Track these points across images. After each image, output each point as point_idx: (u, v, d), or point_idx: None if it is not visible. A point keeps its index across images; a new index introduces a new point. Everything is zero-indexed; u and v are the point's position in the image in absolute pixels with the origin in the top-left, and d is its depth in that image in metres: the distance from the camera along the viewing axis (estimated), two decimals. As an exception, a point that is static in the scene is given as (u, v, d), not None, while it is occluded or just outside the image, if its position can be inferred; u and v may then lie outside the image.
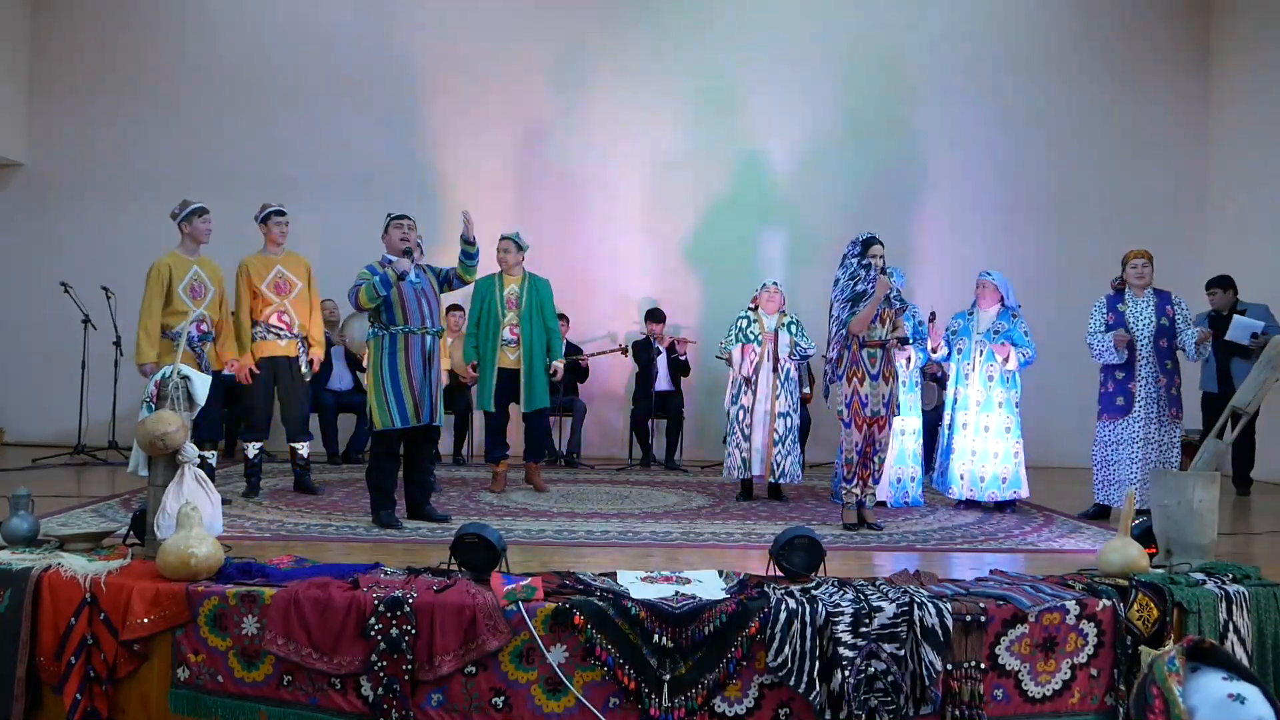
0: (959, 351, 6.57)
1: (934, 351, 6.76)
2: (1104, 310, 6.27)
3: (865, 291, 5.58)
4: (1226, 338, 7.31)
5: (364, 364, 8.65)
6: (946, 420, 6.65)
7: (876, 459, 5.66)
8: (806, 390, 7.17)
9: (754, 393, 6.65)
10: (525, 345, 6.61)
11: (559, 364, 6.84)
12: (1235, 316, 7.35)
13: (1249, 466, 7.67)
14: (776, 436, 6.61)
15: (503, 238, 6.74)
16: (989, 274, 6.61)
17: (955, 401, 6.57)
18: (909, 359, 6.61)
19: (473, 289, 6.68)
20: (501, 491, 6.64)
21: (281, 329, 6.29)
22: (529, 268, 6.84)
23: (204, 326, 5.86)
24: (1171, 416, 6.07)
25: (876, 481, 5.76)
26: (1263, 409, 5.94)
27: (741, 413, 6.68)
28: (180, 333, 5.35)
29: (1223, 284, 7.65)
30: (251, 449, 6.32)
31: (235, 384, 6.24)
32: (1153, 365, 6.09)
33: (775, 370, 6.63)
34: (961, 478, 6.46)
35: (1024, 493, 6.43)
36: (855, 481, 5.63)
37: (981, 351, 6.46)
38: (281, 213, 6.36)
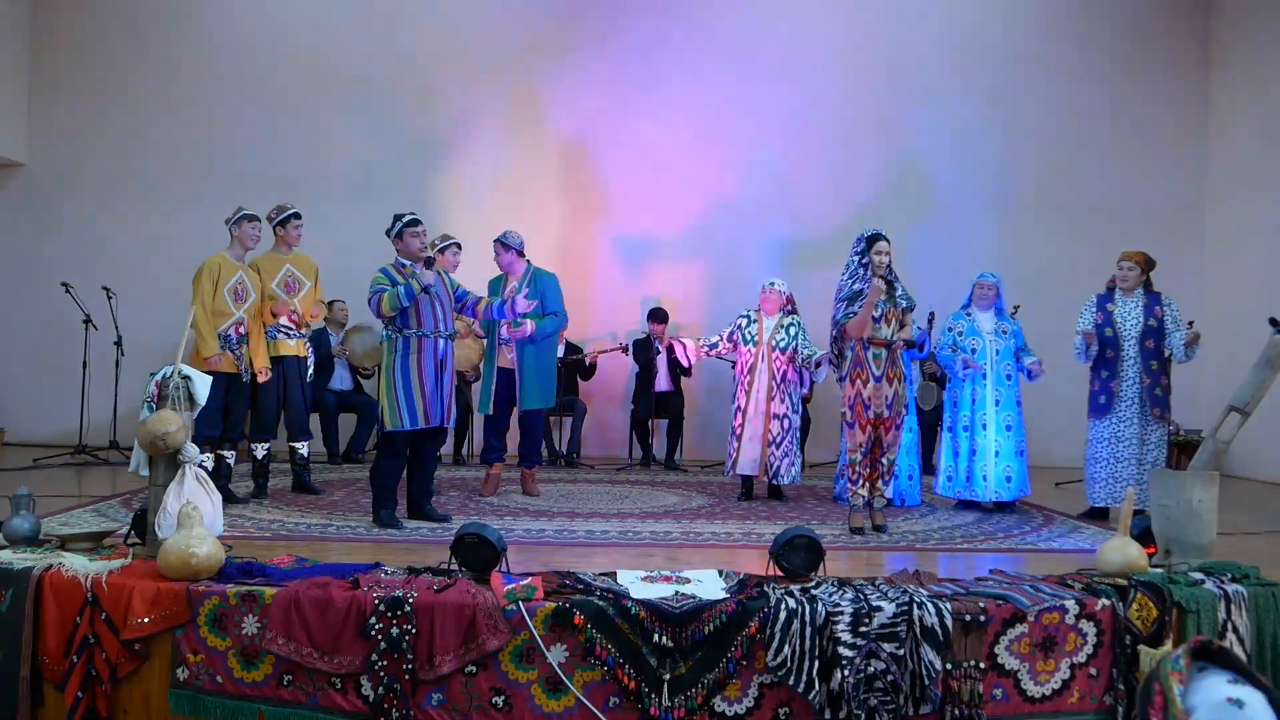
0: (973, 351, 6.49)
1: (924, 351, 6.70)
2: (1093, 309, 6.27)
3: (862, 291, 5.46)
4: None
5: (363, 374, 8.68)
6: (948, 421, 6.60)
7: (885, 460, 5.58)
8: (805, 391, 7.16)
9: (749, 393, 6.67)
10: (520, 344, 6.45)
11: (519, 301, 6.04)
12: None
13: None
14: (771, 438, 6.60)
15: (494, 241, 6.70)
16: (990, 275, 6.62)
17: (973, 401, 6.46)
18: None
19: (486, 290, 6.70)
20: (493, 494, 6.58)
21: (291, 328, 6.31)
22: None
23: (241, 330, 5.97)
24: (1155, 416, 6.04)
25: (886, 483, 5.66)
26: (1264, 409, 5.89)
27: (736, 412, 6.73)
28: (221, 334, 5.66)
29: None
30: (260, 449, 6.31)
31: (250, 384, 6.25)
32: (1137, 365, 6.08)
33: (770, 372, 6.63)
34: (985, 478, 6.39)
35: (1028, 491, 6.45)
36: (861, 483, 5.53)
37: (997, 350, 6.45)
38: (298, 215, 6.41)
